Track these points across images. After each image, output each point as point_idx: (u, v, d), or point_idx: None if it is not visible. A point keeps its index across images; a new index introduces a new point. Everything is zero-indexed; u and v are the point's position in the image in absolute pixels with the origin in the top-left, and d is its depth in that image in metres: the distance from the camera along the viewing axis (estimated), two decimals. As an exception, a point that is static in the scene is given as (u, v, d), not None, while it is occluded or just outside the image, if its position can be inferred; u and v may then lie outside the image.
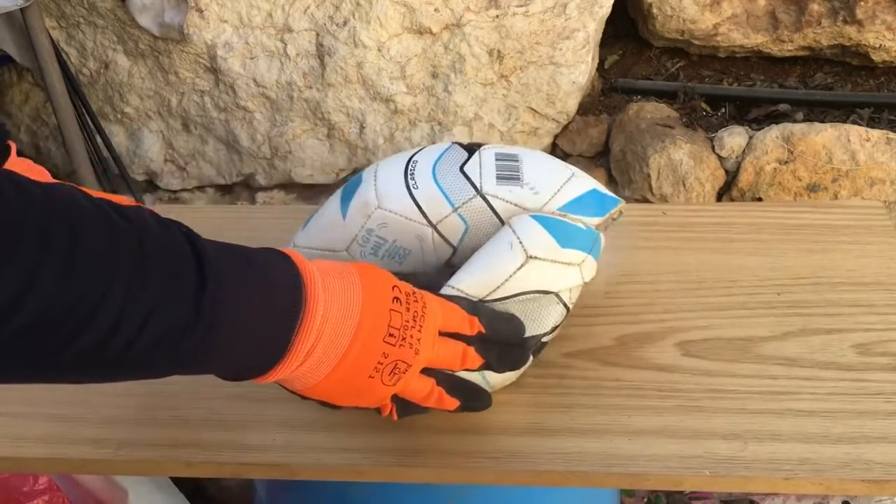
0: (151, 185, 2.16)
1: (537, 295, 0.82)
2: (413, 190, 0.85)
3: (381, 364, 0.70)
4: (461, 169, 0.85)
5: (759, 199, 1.76)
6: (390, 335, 0.70)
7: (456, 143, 0.90)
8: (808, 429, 0.79)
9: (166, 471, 0.85)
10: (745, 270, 0.98)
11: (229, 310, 0.61)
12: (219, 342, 0.61)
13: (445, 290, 0.80)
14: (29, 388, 0.90)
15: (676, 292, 0.96)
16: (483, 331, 0.76)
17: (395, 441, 0.83)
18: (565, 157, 1.97)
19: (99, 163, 2.01)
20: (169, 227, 0.60)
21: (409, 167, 0.87)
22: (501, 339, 0.78)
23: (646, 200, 1.82)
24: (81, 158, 1.92)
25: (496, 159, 0.86)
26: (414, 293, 0.73)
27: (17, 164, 0.90)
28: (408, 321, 0.71)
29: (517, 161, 0.86)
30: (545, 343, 0.86)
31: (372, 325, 0.69)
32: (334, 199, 0.89)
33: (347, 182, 0.90)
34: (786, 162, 1.73)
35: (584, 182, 0.87)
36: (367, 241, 0.85)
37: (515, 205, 0.84)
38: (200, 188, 2.15)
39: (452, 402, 0.77)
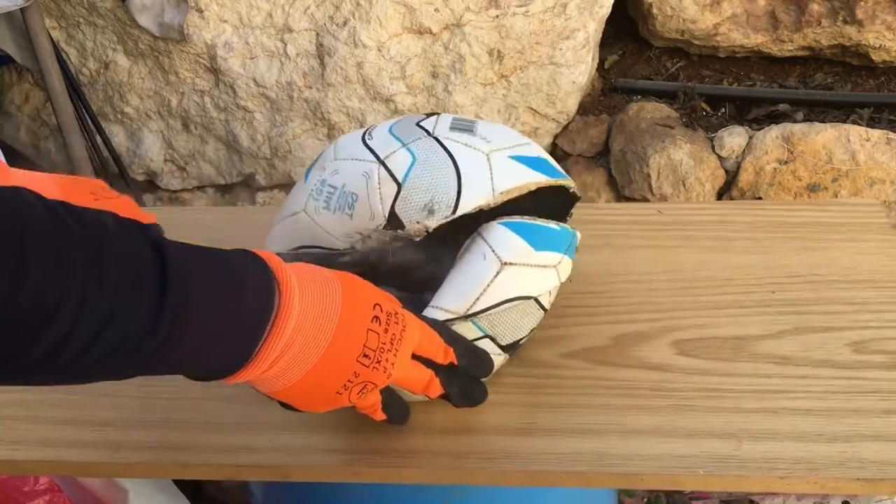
0: (151, 185, 2.16)
1: (518, 302, 0.82)
2: (368, 141, 0.85)
3: (351, 382, 0.70)
4: (417, 123, 0.85)
5: (759, 199, 1.76)
6: (365, 356, 0.69)
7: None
8: (803, 427, 0.79)
9: (164, 473, 0.85)
10: (741, 269, 0.98)
11: (193, 316, 0.59)
12: (180, 348, 0.60)
13: (429, 312, 0.80)
14: (25, 390, 0.90)
15: (671, 291, 0.96)
16: (455, 362, 0.76)
17: (389, 442, 0.82)
18: (565, 156, 1.97)
19: (99, 163, 2.01)
20: (131, 232, 0.59)
21: (369, 129, 0.88)
22: (470, 373, 0.78)
23: (645, 200, 1.82)
24: (81, 158, 1.93)
25: (454, 119, 0.86)
26: (395, 314, 0.72)
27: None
28: (384, 343, 0.70)
29: (474, 122, 0.86)
30: (521, 344, 0.86)
31: (346, 343, 0.68)
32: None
33: None
34: (786, 162, 1.73)
35: (537, 150, 0.87)
36: (321, 194, 0.84)
37: (466, 144, 0.83)
38: (200, 188, 2.15)
39: (382, 416, 0.77)
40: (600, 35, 1.92)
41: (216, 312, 0.61)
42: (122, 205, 0.96)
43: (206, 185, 2.13)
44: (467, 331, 0.81)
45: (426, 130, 0.84)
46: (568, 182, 0.86)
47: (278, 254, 0.71)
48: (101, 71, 2.01)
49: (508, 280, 0.81)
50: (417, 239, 0.81)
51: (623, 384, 0.86)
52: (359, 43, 1.84)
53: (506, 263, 0.80)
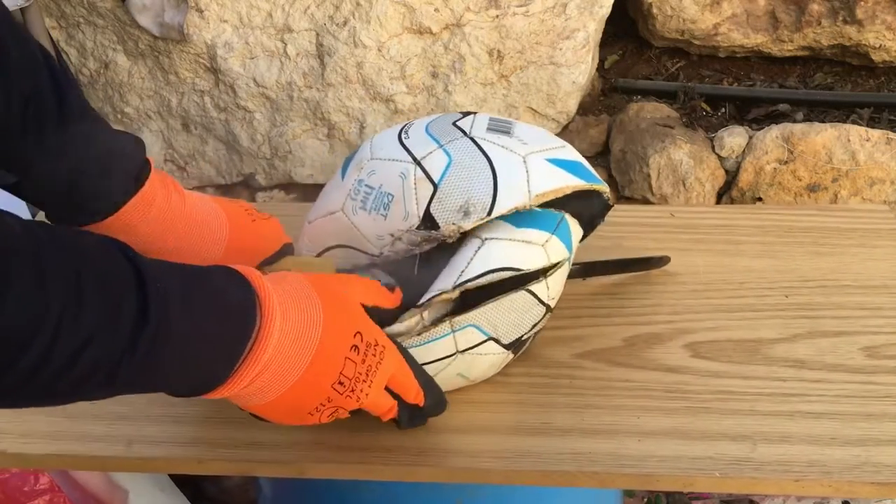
0: (151, 184, 2.15)
1: (506, 272, 0.81)
2: (404, 140, 0.85)
3: (324, 406, 0.70)
4: (454, 123, 0.86)
5: (759, 199, 1.77)
6: (340, 383, 0.70)
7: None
8: (818, 431, 0.80)
9: (178, 468, 0.85)
10: (753, 272, 0.98)
11: (172, 337, 0.59)
12: (159, 368, 0.59)
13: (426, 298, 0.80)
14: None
15: (685, 294, 0.97)
16: (420, 404, 0.78)
17: (403, 440, 0.83)
18: (565, 156, 1.97)
19: (99, 163, 2.00)
20: (111, 253, 0.58)
21: (405, 127, 0.88)
22: (427, 413, 0.81)
23: (646, 200, 1.82)
24: (81, 158, 1.92)
25: (490, 119, 0.87)
26: (375, 345, 0.72)
27: (153, 178, 0.89)
28: (360, 374, 0.70)
29: (510, 124, 0.87)
30: (525, 341, 0.86)
31: (324, 369, 0.68)
32: (338, 169, 0.90)
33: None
34: (786, 162, 1.73)
35: (573, 154, 0.88)
36: (358, 193, 0.85)
37: (503, 147, 0.83)
38: (200, 188, 2.14)
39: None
40: (600, 35, 1.92)
41: (196, 333, 0.61)
42: (272, 225, 0.97)
43: (206, 185, 2.13)
44: (470, 336, 0.81)
45: (463, 131, 0.84)
46: (602, 187, 0.87)
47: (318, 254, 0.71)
48: (101, 71, 2.01)
49: (490, 252, 0.81)
50: (450, 241, 0.81)
51: (637, 385, 0.87)
52: (359, 43, 1.83)
53: (487, 239, 0.81)
